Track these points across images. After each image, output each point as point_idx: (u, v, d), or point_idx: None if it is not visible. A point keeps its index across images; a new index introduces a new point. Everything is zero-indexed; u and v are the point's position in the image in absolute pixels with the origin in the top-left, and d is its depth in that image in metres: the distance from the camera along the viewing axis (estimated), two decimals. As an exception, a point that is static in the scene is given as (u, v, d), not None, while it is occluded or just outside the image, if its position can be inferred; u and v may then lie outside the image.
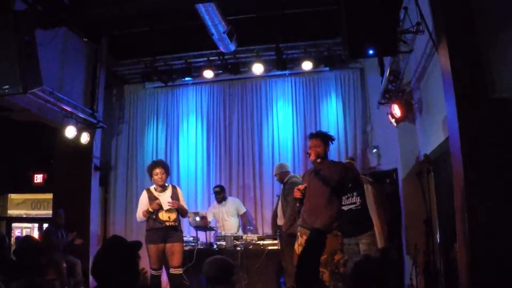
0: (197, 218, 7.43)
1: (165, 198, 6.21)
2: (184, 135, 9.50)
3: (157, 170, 6.28)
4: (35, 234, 10.57)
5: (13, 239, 10.47)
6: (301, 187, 5.35)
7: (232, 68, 8.89)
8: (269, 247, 7.12)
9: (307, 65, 8.52)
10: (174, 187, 6.50)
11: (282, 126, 9.09)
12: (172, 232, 6.17)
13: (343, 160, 8.34)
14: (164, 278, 6.89)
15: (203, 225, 7.62)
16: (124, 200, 9.44)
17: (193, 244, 7.45)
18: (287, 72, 9.00)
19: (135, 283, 2.52)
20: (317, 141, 5.43)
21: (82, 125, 7.66)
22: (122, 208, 9.40)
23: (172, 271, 6.19)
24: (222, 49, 7.75)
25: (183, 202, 6.46)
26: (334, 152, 8.38)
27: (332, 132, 8.39)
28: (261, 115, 9.22)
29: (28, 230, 11.51)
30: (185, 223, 7.36)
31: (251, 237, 7.53)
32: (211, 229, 7.92)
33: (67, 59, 7.53)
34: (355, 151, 8.50)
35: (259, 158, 9.06)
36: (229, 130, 9.31)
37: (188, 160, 9.30)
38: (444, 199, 5.68)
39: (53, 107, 6.95)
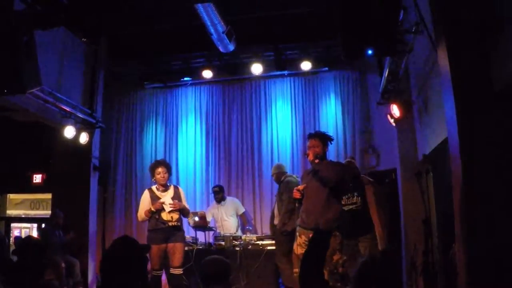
0: (196, 218, 7.43)
1: (167, 198, 6.19)
2: (183, 135, 9.50)
3: (159, 170, 6.27)
4: (34, 234, 10.55)
5: (12, 239, 10.47)
6: (300, 187, 5.36)
7: (231, 68, 8.91)
8: (268, 247, 7.13)
9: (306, 65, 8.53)
10: (176, 187, 6.50)
11: (281, 126, 9.10)
12: (175, 232, 6.16)
13: (343, 160, 8.38)
14: (163, 277, 6.88)
15: (202, 225, 7.62)
16: (123, 200, 9.45)
17: (192, 243, 7.45)
18: (286, 72, 9.00)
19: (142, 285, 2.51)
20: (315, 141, 5.44)
21: (81, 125, 7.65)
22: (121, 208, 9.41)
23: (172, 271, 6.18)
24: (221, 49, 7.75)
25: (185, 202, 6.46)
26: (333, 152, 8.39)
27: (331, 132, 8.41)
28: (260, 115, 9.23)
29: (27, 230, 11.50)
30: (184, 223, 7.35)
31: (250, 237, 7.54)
32: (210, 229, 7.91)
33: (66, 59, 7.52)
34: (354, 151, 8.51)
35: (258, 158, 9.07)
36: (228, 130, 9.31)
37: (187, 160, 9.31)
38: (443, 199, 5.68)
39: (52, 107, 6.94)
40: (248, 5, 7.40)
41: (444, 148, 4.60)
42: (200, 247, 7.51)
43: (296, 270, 5.28)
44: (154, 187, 6.37)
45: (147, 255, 6.24)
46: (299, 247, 5.32)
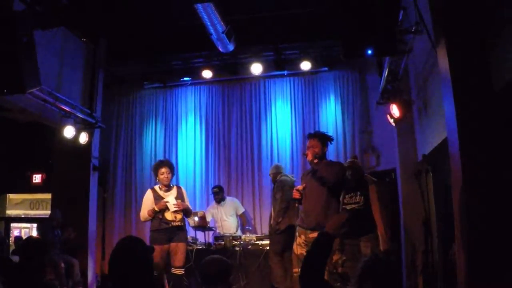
0: (196, 218, 7.43)
1: (171, 198, 6.18)
2: (182, 135, 9.50)
3: (163, 170, 6.26)
4: (34, 234, 10.55)
5: (12, 239, 10.48)
6: (299, 187, 5.37)
7: (231, 68, 8.91)
8: (268, 247, 7.12)
9: (305, 65, 8.53)
10: (179, 187, 6.50)
11: (280, 126, 9.10)
12: (178, 231, 6.16)
13: (342, 160, 8.39)
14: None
15: (202, 225, 7.62)
16: (123, 200, 9.44)
17: (192, 243, 7.46)
18: (285, 72, 9.00)
19: (148, 283, 2.50)
20: (314, 141, 5.45)
21: (81, 125, 7.65)
22: (121, 208, 9.41)
23: (174, 271, 6.17)
24: (220, 49, 7.74)
25: (187, 202, 6.46)
26: (333, 152, 8.39)
27: (330, 132, 8.43)
28: (259, 115, 9.22)
29: (27, 230, 11.52)
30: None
31: (249, 237, 7.55)
32: (209, 229, 7.92)
33: (66, 59, 7.52)
34: (353, 151, 8.49)
35: (257, 158, 9.07)
36: (227, 130, 9.31)
37: (186, 160, 9.31)
38: (443, 199, 5.68)
39: (51, 107, 6.94)
40: (248, 5, 7.40)
41: (444, 148, 4.59)
42: (200, 247, 7.51)
43: (296, 270, 5.28)
44: (157, 187, 6.36)
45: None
46: (298, 246, 5.32)
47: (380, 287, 2.90)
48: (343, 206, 5.44)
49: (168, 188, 6.32)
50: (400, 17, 5.49)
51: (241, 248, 7.27)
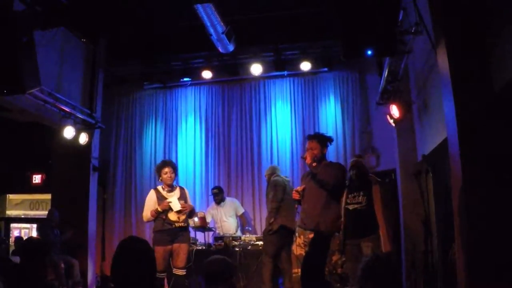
0: (196, 219, 7.43)
1: (174, 198, 6.17)
2: (182, 135, 9.50)
3: (166, 170, 6.24)
4: (34, 235, 10.56)
5: (11, 240, 10.48)
6: (299, 188, 5.37)
7: (231, 68, 8.90)
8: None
9: (305, 66, 8.54)
10: (181, 188, 6.47)
11: (280, 127, 9.09)
12: (181, 232, 6.12)
13: (342, 160, 8.39)
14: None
15: (202, 226, 7.62)
16: (123, 200, 9.44)
17: (192, 244, 7.45)
18: (285, 72, 8.99)
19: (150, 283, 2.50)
20: (313, 143, 5.44)
21: (81, 126, 7.65)
22: (120, 209, 9.40)
23: (175, 271, 6.15)
24: (220, 49, 7.74)
25: (190, 203, 6.46)
26: (333, 153, 8.39)
27: (330, 132, 8.44)
28: (259, 116, 9.22)
29: (27, 230, 11.52)
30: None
31: (249, 237, 7.55)
32: (209, 229, 7.92)
33: (66, 59, 7.52)
34: (353, 152, 8.49)
35: (257, 159, 9.07)
36: (227, 131, 9.31)
37: (186, 161, 9.30)
38: (443, 199, 5.67)
39: (51, 108, 6.94)
40: (248, 5, 7.41)
41: (444, 148, 4.60)
42: (200, 248, 7.51)
43: (295, 270, 5.28)
44: (160, 187, 6.34)
45: None
46: (298, 247, 5.32)
47: (380, 287, 2.90)
48: (346, 206, 5.41)
49: (171, 188, 6.30)
50: (400, 17, 5.49)
51: (241, 249, 7.27)
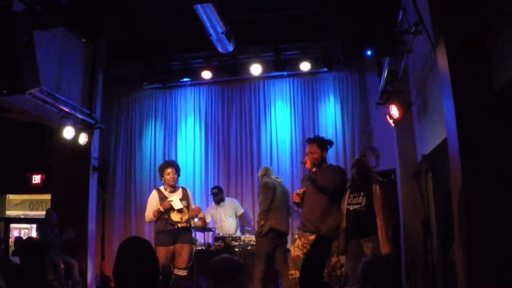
0: (195, 219, 7.42)
1: (175, 198, 6.16)
2: (182, 136, 9.50)
3: (169, 170, 6.24)
4: (33, 235, 10.56)
5: (11, 240, 10.47)
6: (299, 191, 5.37)
7: (230, 68, 8.90)
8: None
9: (305, 66, 8.53)
10: (184, 189, 6.47)
11: (280, 127, 9.09)
12: (183, 232, 6.12)
13: (342, 160, 8.40)
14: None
15: (201, 226, 7.62)
16: (122, 200, 9.43)
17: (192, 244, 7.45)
18: (285, 73, 8.99)
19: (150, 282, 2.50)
20: (313, 147, 5.44)
21: (80, 126, 7.64)
22: (120, 209, 9.40)
23: (176, 271, 6.13)
24: (220, 49, 7.74)
25: (192, 204, 6.46)
26: (332, 153, 8.37)
27: (330, 133, 8.45)
28: (259, 116, 9.22)
29: (26, 230, 11.52)
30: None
31: (249, 237, 7.56)
32: (209, 230, 7.92)
33: (65, 59, 7.52)
34: (353, 152, 8.50)
35: (257, 159, 9.06)
36: (227, 131, 9.31)
37: (186, 161, 9.29)
38: (442, 199, 5.68)
39: (51, 108, 6.94)
40: (248, 5, 7.40)
41: (444, 148, 4.60)
42: (200, 248, 7.51)
43: (291, 272, 5.28)
44: (162, 188, 6.33)
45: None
46: (296, 249, 5.32)
47: (381, 286, 2.90)
48: (347, 206, 5.42)
49: (174, 189, 6.30)
50: (400, 17, 5.50)
51: (241, 249, 7.27)
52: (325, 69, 8.87)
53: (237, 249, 7.26)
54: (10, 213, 11.87)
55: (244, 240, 7.46)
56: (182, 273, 6.13)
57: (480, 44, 3.82)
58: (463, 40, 3.89)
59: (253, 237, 7.49)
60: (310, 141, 5.61)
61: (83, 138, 7.59)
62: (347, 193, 5.47)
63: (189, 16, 6.78)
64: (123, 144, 9.67)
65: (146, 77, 9.29)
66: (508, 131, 3.60)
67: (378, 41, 4.26)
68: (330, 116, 8.87)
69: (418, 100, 6.63)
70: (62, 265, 7.00)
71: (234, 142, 9.24)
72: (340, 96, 8.88)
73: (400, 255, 7.07)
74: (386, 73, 6.72)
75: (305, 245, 5.24)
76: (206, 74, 8.86)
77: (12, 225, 11.45)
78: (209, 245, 7.66)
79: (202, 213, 7.75)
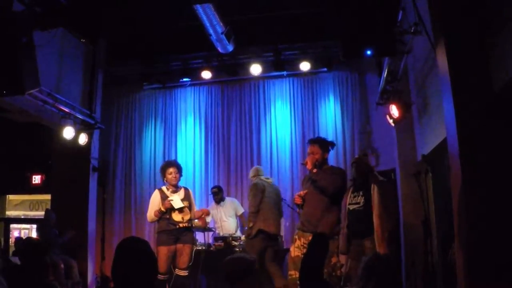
0: (195, 220, 7.42)
1: (175, 197, 6.15)
2: (182, 136, 9.50)
3: (171, 170, 6.24)
4: (34, 235, 10.55)
5: (12, 240, 10.46)
6: (302, 193, 5.37)
7: (230, 68, 8.89)
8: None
9: (305, 66, 8.53)
10: (186, 189, 6.47)
11: (280, 127, 9.09)
12: (185, 232, 6.12)
13: (342, 160, 8.40)
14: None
15: (201, 226, 7.61)
16: (122, 200, 9.43)
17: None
18: (285, 72, 8.99)
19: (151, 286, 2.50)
20: (315, 148, 5.45)
21: (80, 126, 7.65)
22: (120, 209, 9.40)
23: (177, 272, 6.13)
24: (220, 49, 7.75)
25: (194, 204, 6.46)
26: (332, 153, 8.30)
27: (330, 133, 8.46)
28: (259, 116, 9.22)
29: (27, 231, 11.51)
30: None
31: (249, 237, 7.53)
32: (209, 229, 7.92)
33: (65, 60, 7.52)
34: (353, 152, 8.49)
35: (257, 159, 9.06)
36: (227, 131, 9.31)
37: (186, 161, 9.29)
38: (442, 199, 5.68)
39: (51, 108, 6.94)
40: (247, 5, 7.40)
41: (443, 148, 4.60)
42: (200, 248, 7.51)
43: (291, 272, 5.28)
44: (164, 187, 6.33)
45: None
46: (296, 249, 5.32)
47: (382, 285, 2.91)
48: (348, 206, 5.44)
49: (176, 189, 6.31)
50: (399, 17, 5.50)
51: (241, 249, 7.26)
52: (325, 69, 8.87)
53: (237, 249, 7.25)
54: (10, 213, 11.86)
55: (244, 240, 7.45)
56: (183, 273, 6.13)
57: (480, 44, 3.82)
58: (463, 40, 3.89)
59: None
60: (312, 141, 5.61)
61: (83, 138, 7.59)
62: (349, 192, 5.48)
63: (189, 16, 6.78)
64: (123, 144, 9.67)
65: (146, 77, 9.29)
66: (508, 130, 3.60)
67: (378, 41, 4.26)
68: (330, 116, 8.87)
69: (418, 100, 6.63)
70: (62, 265, 7.00)
71: (234, 142, 9.24)
72: (340, 96, 8.88)
73: (400, 255, 7.07)
74: (386, 73, 6.71)
75: (305, 245, 5.24)
76: (206, 74, 8.86)
77: (12, 226, 11.44)
78: (209, 245, 7.65)
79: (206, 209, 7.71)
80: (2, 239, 10.10)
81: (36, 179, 10.91)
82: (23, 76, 4.71)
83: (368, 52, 4.38)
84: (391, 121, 7.15)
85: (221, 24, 7.02)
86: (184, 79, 9.25)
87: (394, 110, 6.89)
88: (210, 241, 7.86)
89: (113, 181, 9.51)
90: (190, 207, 6.24)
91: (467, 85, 3.81)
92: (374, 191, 5.28)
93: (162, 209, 6.02)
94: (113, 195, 9.45)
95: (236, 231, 8.07)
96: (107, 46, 8.66)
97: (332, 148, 5.66)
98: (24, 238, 10.01)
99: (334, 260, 5.19)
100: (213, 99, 9.50)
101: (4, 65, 4.68)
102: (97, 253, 8.59)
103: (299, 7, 7.53)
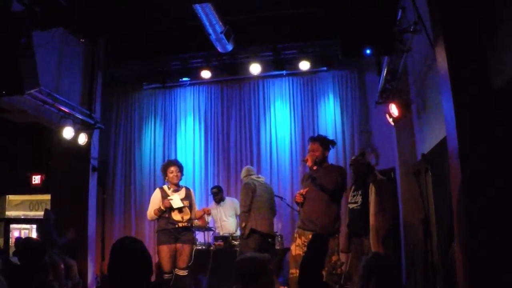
0: (196, 220, 7.42)
1: (175, 196, 6.15)
2: (182, 135, 9.51)
3: (172, 168, 6.24)
4: (34, 235, 10.54)
5: (12, 241, 10.46)
6: (303, 191, 5.37)
7: (230, 68, 8.90)
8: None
9: (304, 65, 8.54)
10: (187, 189, 6.46)
11: (279, 126, 9.10)
12: (184, 232, 6.11)
13: (342, 160, 8.40)
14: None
15: (202, 225, 7.62)
16: (122, 200, 9.44)
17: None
18: (284, 72, 9.00)
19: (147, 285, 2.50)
20: (315, 145, 5.45)
21: (80, 126, 7.64)
22: (120, 209, 9.40)
23: (177, 271, 6.13)
24: (219, 49, 7.74)
25: (195, 204, 6.45)
26: (332, 152, 8.30)
27: (330, 132, 8.47)
28: (258, 115, 9.23)
29: (27, 231, 11.50)
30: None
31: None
32: (209, 229, 7.92)
33: (65, 60, 7.52)
34: (353, 151, 8.51)
35: (256, 158, 9.08)
36: (226, 130, 9.32)
37: (186, 161, 9.29)
38: (442, 198, 5.68)
39: (50, 108, 6.94)
40: (247, 5, 7.40)
41: (443, 147, 4.60)
42: (200, 248, 7.51)
43: (292, 271, 5.28)
44: (165, 186, 6.33)
45: (157, 255, 6.23)
46: (297, 247, 5.32)
47: (382, 284, 2.91)
48: (348, 205, 5.48)
49: (177, 188, 6.31)
50: (399, 16, 5.50)
51: (241, 248, 7.26)
52: (325, 68, 8.89)
53: (237, 249, 7.25)
54: (10, 213, 11.86)
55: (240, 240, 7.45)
56: (183, 273, 6.13)
57: (480, 43, 3.81)
58: (463, 39, 3.88)
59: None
60: (313, 139, 5.61)
61: (82, 138, 7.59)
62: (350, 191, 5.51)
63: (188, 16, 6.78)
64: (122, 144, 9.68)
65: (146, 77, 9.31)
66: (507, 130, 3.59)
67: (377, 40, 4.26)
68: (330, 115, 8.88)
69: (417, 98, 6.63)
70: (62, 266, 6.99)
71: (233, 141, 9.25)
72: (339, 95, 8.90)
73: (400, 254, 7.08)
74: (385, 72, 6.72)
75: (305, 243, 5.24)
76: (206, 74, 8.87)
77: (12, 226, 11.43)
78: (209, 245, 7.65)
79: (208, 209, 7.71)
80: (2, 240, 10.12)
81: (36, 179, 10.91)
82: (23, 76, 4.71)
83: (368, 51, 4.38)
84: (390, 120, 7.16)
85: (221, 23, 7.02)
86: (184, 79, 9.28)
87: (394, 109, 6.90)
88: (210, 240, 7.86)
89: (113, 181, 9.52)
90: (190, 207, 6.24)
91: (466, 84, 3.80)
92: (372, 190, 5.31)
93: (162, 207, 6.02)
94: (113, 195, 9.46)
95: (236, 231, 8.06)
96: (107, 46, 8.66)
97: (333, 146, 5.66)
98: (24, 238, 10.02)
99: (334, 258, 5.19)
100: (212, 99, 9.51)
101: (3, 65, 4.67)
102: (97, 253, 8.59)
103: (298, 6, 7.53)
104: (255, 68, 8.58)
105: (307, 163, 5.50)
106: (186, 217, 6.11)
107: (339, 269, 5.24)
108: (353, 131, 8.71)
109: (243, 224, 6.69)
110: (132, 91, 9.80)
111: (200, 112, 9.52)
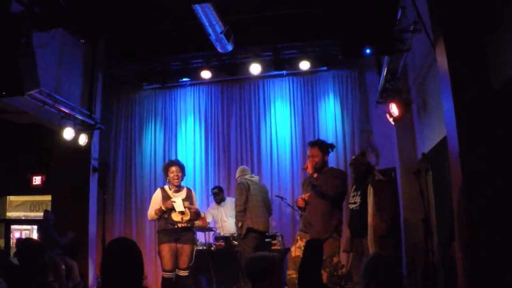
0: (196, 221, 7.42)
1: (178, 199, 6.15)
2: (182, 136, 9.50)
3: (173, 168, 6.23)
4: (34, 236, 10.54)
5: (12, 241, 10.46)
6: (305, 196, 5.37)
7: (230, 68, 8.89)
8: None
9: (304, 65, 8.53)
10: (189, 189, 6.45)
11: (280, 126, 9.09)
12: (184, 233, 6.11)
13: (342, 160, 8.39)
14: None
15: (202, 226, 7.62)
16: (123, 201, 9.43)
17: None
18: (284, 72, 8.99)
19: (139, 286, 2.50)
20: (315, 150, 5.46)
21: (80, 127, 7.64)
22: (120, 210, 9.40)
23: (177, 272, 6.13)
24: (219, 49, 7.74)
25: (196, 205, 6.44)
26: (332, 152, 8.36)
27: (330, 131, 8.46)
28: (259, 115, 9.22)
29: (27, 232, 11.49)
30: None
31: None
32: (210, 229, 7.92)
33: (65, 60, 7.52)
34: (353, 151, 8.49)
35: (257, 158, 9.07)
36: (227, 131, 9.31)
37: (186, 161, 9.26)
38: (442, 197, 5.68)
39: (50, 109, 6.94)
40: (246, 5, 7.39)
41: (443, 147, 4.60)
42: (200, 248, 7.51)
43: (290, 272, 5.28)
44: (166, 187, 6.33)
45: (158, 255, 6.23)
46: (298, 249, 5.33)
47: (383, 284, 2.91)
48: (348, 205, 5.49)
49: (178, 188, 6.30)
50: (399, 16, 5.50)
51: (239, 249, 7.26)
52: (325, 68, 8.87)
53: (237, 249, 7.25)
54: (11, 214, 11.85)
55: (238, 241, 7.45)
56: (184, 273, 6.13)
57: (479, 42, 3.82)
58: (463, 39, 3.89)
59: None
60: (312, 144, 5.60)
61: (83, 139, 7.59)
62: (350, 191, 5.52)
63: (188, 16, 6.77)
64: (123, 145, 9.67)
65: (146, 77, 9.29)
66: (507, 129, 3.60)
67: (377, 40, 4.26)
68: (330, 114, 8.87)
69: (417, 98, 6.63)
70: (63, 266, 6.99)
71: (234, 142, 9.24)
72: (339, 94, 8.88)
73: (401, 253, 7.08)
74: (385, 72, 6.72)
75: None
76: (206, 74, 8.86)
77: (13, 227, 11.42)
78: (210, 245, 7.65)
79: (202, 213, 7.73)
80: (3, 241, 10.12)
81: (37, 180, 10.90)
82: (23, 77, 4.71)
83: (368, 51, 4.38)
84: (391, 119, 7.16)
85: (220, 23, 7.02)
86: (184, 79, 9.26)
87: (394, 109, 6.90)
88: (211, 241, 7.86)
89: (113, 181, 9.50)
90: (190, 208, 6.24)
91: (466, 83, 3.81)
92: (370, 191, 5.31)
93: (163, 208, 6.02)
94: (113, 196, 9.45)
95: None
96: (107, 46, 8.66)
97: (332, 150, 5.67)
98: (23, 239, 10.02)
99: (335, 260, 5.20)
100: (213, 99, 9.50)
101: (3, 66, 4.67)
102: (98, 253, 8.57)
103: (298, 6, 7.53)
104: (255, 68, 8.57)
105: (308, 171, 5.50)
106: (186, 218, 6.11)
107: (340, 271, 5.24)
108: (353, 131, 8.70)
109: (239, 224, 6.69)
110: (132, 91, 9.79)
111: (200, 112, 9.51)
